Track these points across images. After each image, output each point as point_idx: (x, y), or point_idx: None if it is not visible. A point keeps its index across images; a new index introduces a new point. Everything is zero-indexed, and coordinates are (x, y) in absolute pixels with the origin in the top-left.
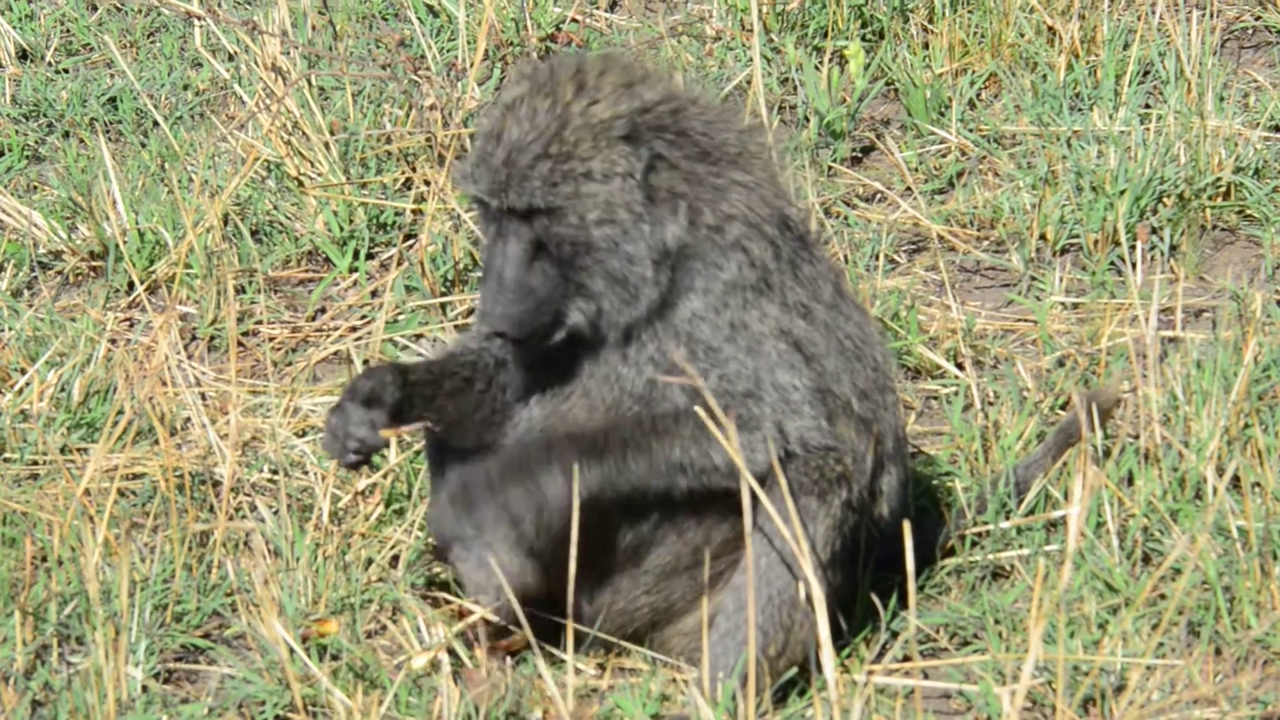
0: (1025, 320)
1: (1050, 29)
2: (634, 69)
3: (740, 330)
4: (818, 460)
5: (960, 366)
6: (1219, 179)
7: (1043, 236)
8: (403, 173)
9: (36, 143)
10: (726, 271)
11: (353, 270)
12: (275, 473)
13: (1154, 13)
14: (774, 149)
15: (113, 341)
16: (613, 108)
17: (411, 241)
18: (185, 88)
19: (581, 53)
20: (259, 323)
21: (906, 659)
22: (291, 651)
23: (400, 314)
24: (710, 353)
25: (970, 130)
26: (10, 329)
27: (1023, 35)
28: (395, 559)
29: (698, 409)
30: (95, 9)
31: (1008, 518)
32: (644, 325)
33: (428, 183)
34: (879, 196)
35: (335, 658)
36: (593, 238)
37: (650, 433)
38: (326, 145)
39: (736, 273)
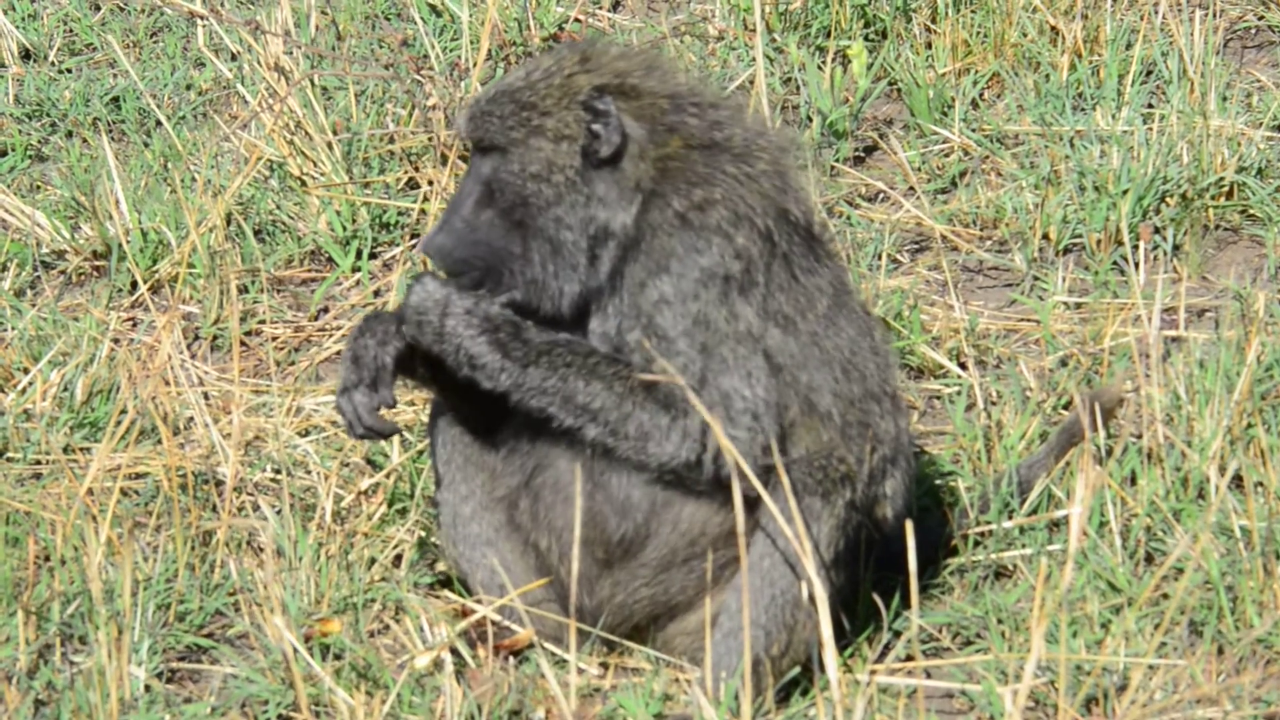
0: (1028, 320)
1: (1053, 29)
2: (652, 60)
3: (702, 326)
4: (821, 460)
5: (963, 366)
6: (1222, 179)
7: (1045, 236)
8: (405, 172)
9: (39, 142)
10: (706, 257)
11: (355, 270)
12: (278, 472)
13: (1157, 12)
14: (785, 146)
15: (116, 341)
16: (591, 79)
17: (414, 241)
18: (188, 87)
19: (618, 41)
20: (262, 322)
21: (909, 658)
22: (294, 651)
23: None
24: (665, 342)
25: (973, 130)
26: (13, 328)
27: (1025, 35)
28: (398, 558)
29: (642, 378)
30: (98, 9)
31: (1010, 517)
32: (605, 299)
33: (430, 182)
34: (882, 196)
35: (338, 657)
36: (527, 190)
37: (586, 371)
38: (329, 145)
39: (717, 259)
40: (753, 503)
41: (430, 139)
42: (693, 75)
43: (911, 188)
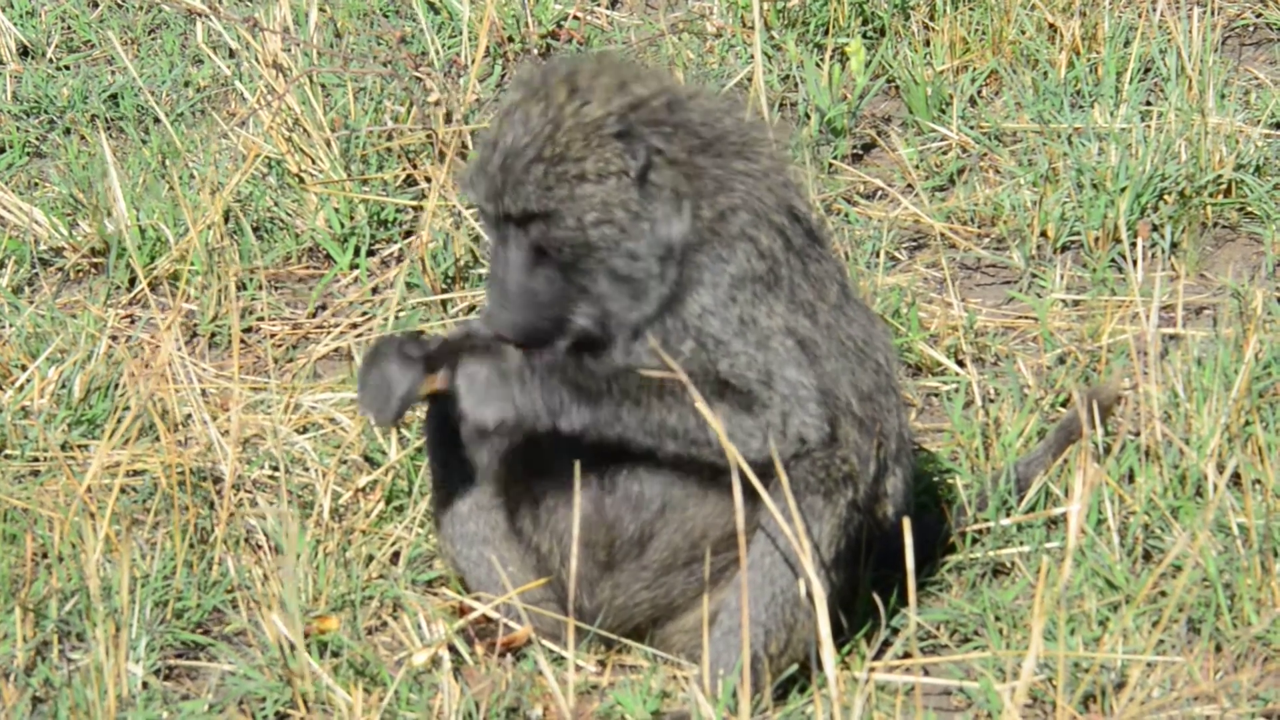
0: (1026, 317)
1: (1051, 26)
2: (628, 68)
3: (750, 325)
4: (824, 459)
5: (961, 364)
6: (1220, 176)
7: (1044, 233)
8: (404, 169)
9: (38, 139)
10: (733, 264)
11: (354, 267)
12: (276, 469)
13: (1155, 10)
14: (779, 140)
15: (114, 338)
16: (604, 106)
17: (412, 238)
18: (186, 84)
19: (577, 55)
20: (260, 319)
21: (907, 656)
22: (292, 648)
23: (401, 311)
24: (720, 345)
25: (971, 127)
26: (11, 325)
27: (1024, 32)
28: (396, 556)
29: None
30: (96, 5)
31: (1008, 515)
32: (649, 321)
33: (429, 179)
34: (880, 193)
35: (336, 654)
36: (591, 239)
37: (653, 391)
38: (328, 142)
39: (745, 264)
40: (757, 501)
41: (428, 136)
42: (667, 72)
43: (910, 185)
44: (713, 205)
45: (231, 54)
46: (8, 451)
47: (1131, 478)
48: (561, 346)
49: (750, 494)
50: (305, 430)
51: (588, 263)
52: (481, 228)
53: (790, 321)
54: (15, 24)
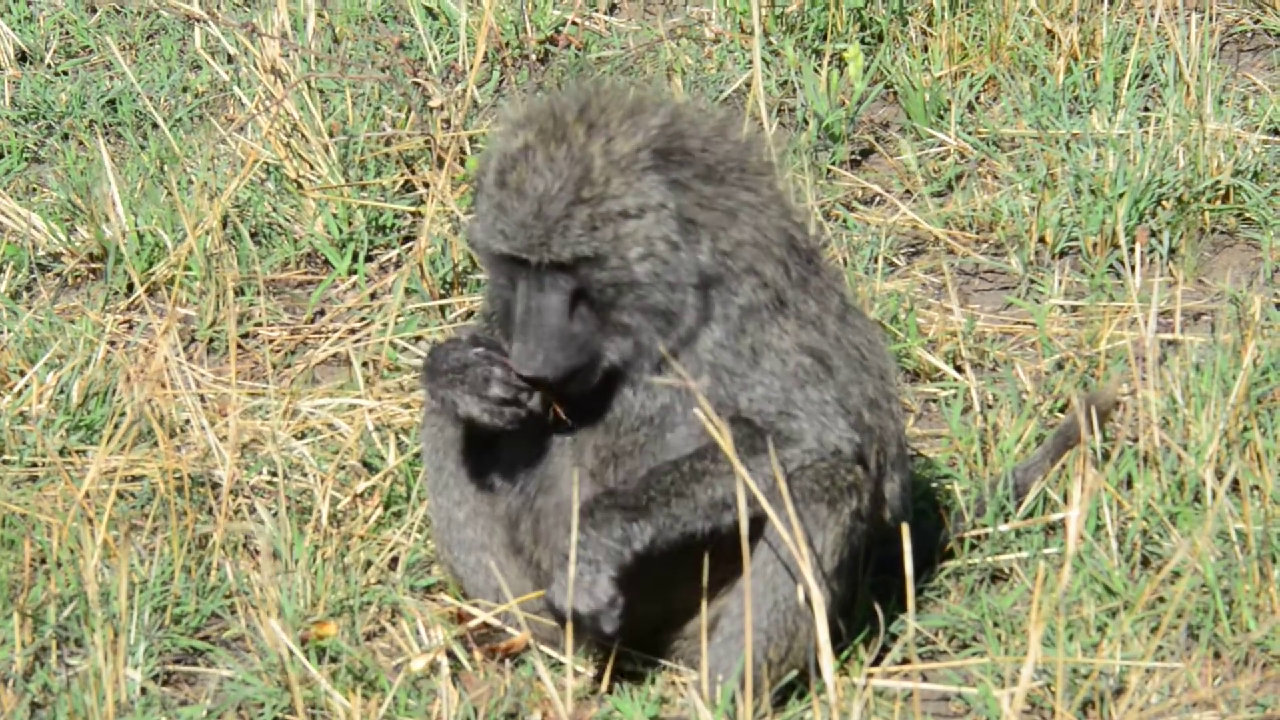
0: (1024, 323)
1: (1049, 32)
2: (629, 95)
3: (764, 352)
4: (829, 469)
5: (959, 369)
6: (1218, 182)
7: (1042, 239)
8: (402, 175)
9: (36, 145)
10: (741, 296)
11: (352, 273)
12: (274, 475)
13: (1153, 16)
14: (774, 160)
15: (112, 344)
16: (629, 140)
17: (411, 244)
18: (185, 90)
19: (574, 88)
20: (258, 325)
21: (905, 662)
22: (290, 654)
23: (400, 316)
24: (736, 378)
25: (969, 133)
26: (9, 331)
27: (1022, 38)
28: (394, 561)
29: (726, 435)
30: (94, 11)
31: (1006, 520)
32: (663, 357)
33: (427, 185)
34: (878, 199)
35: (334, 660)
36: (636, 276)
37: (690, 477)
38: (326, 148)
39: (751, 295)
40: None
41: (427, 142)
42: (661, 89)
43: (908, 191)
44: (726, 238)
45: (230, 59)
46: (6, 457)
47: (1130, 483)
48: (591, 383)
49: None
50: (303, 436)
51: (627, 299)
52: (491, 274)
53: (801, 337)
54: (13, 29)
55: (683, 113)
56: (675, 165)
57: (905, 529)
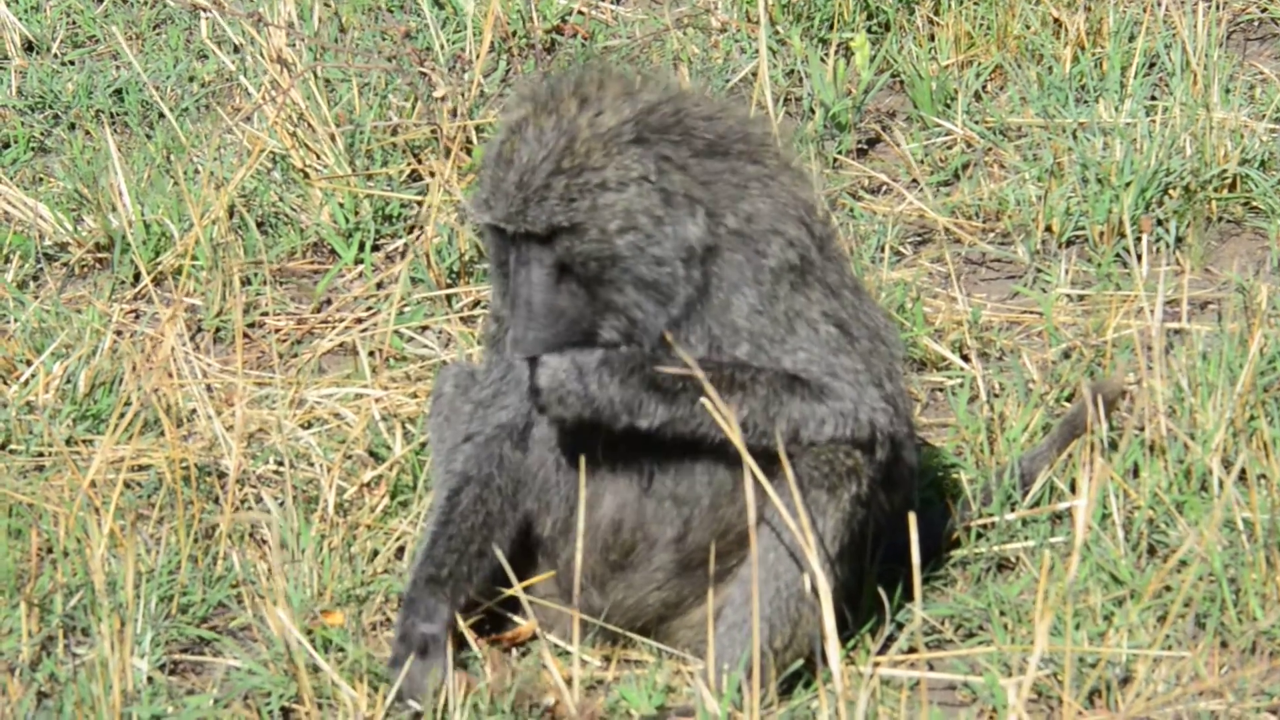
0: (1031, 312)
1: (1056, 21)
2: (632, 77)
3: (798, 318)
4: (828, 454)
5: (966, 358)
6: (1225, 171)
7: (1048, 228)
8: (408, 164)
9: (42, 134)
10: (770, 258)
11: (358, 262)
12: (281, 464)
13: (1160, 4)
14: (780, 136)
15: (118, 333)
16: (617, 115)
17: (417, 233)
18: (191, 79)
19: (579, 67)
20: (264, 314)
21: (912, 651)
22: (297, 643)
23: (406, 306)
24: (776, 344)
25: (976, 122)
26: (16, 321)
27: (1029, 27)
28: (401, 551)
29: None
30: (101, 1)
31: (1013, 510)
32: (692, 326)
33: (433, 174)
34: (885, 188)
35: (341, 649)
36: (617, 248)
37: (724, 386)
38: (332, 137)
39: (780, 255)
40: (766, 496)
41: (433, 131)
42: (668, 75)
43: (914, 180)
44: (736, 212)
45: (236, 49)
46: (12, 447)
47: (1136, 472)
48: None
49: (757, 489)
50: (310, 425)
51: (612, 273)
52: (490, 252)
53: (826, 306)
54: (20, 19)
55: (684, 93)
56: (668, 142)
57: (913, 518)
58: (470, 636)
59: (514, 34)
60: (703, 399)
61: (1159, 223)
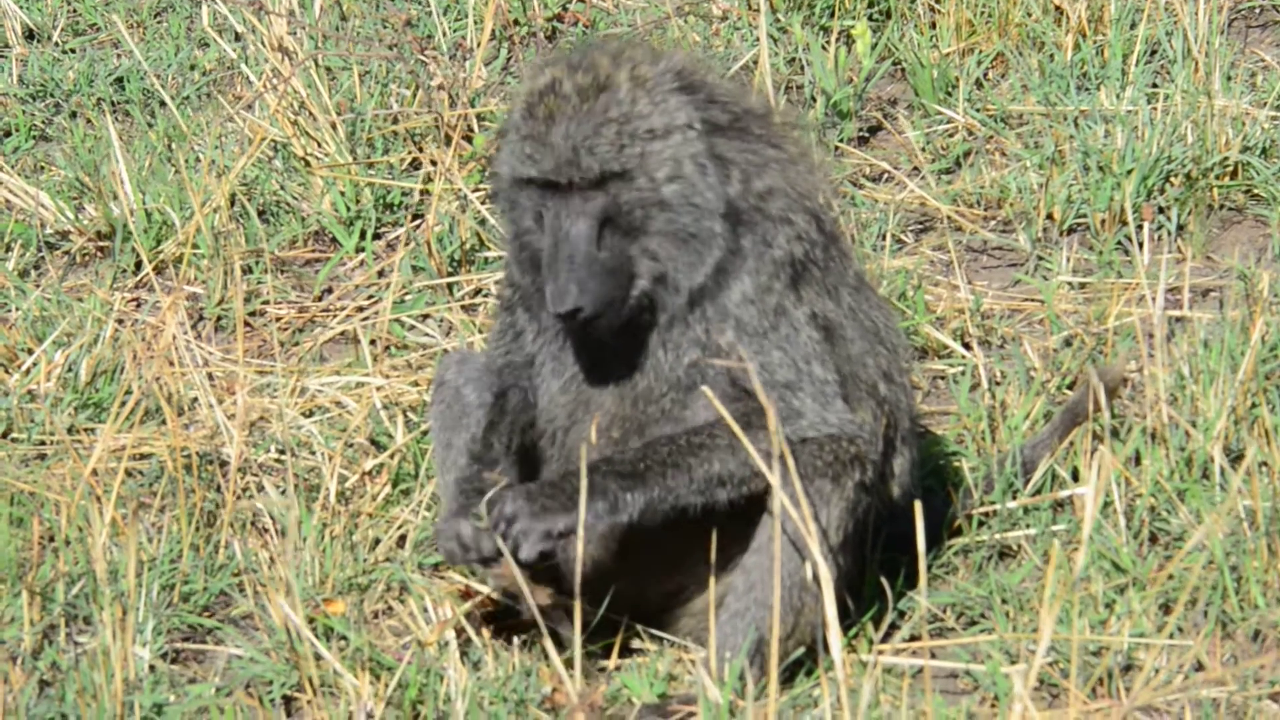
0: (1032, 300)
1: (1057, 8)
2: (650, 44)
3: (782, 317)
4: (831, 444)
5: (967, 346)
6: (1226, 158)
7: (1050, 216)
8: (409, 153)
9: (44, 123)
10: (776, 248)
11: (359, 250)
12: (282, 453)
13: None
14: (798, 124)
15: (120, 321)
16: (654, 67)
17: (418, 221)
18: (192, 68)
19: (589, 39)
20: (266, 303)
21: (914, 639)
22: (299, 631)
23: (407, 294)
24: (754, 339)
25: (977, 110)
26: (17, 309)
27: (1030, 15)
28: (402, 539)
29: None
30: None
31: (1015, 497)
32: (689, 307)
33: (434, 163)
34: (886, 176)
35: (343, 638)
36: (664, 196)
37: (686, 450)
38: (333, 125)
39: (785, 247)
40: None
41: (434, 119)
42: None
43: (916, 168)
44: (760, 181)
45: (237, 37)
46: (14, 435)
47: (1138, 460)
48: (624, 315)
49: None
50: (311, 414)
51: (657, 222)
52: (513, 215)
53: (817, 306)
54: (21, 7)
55: (708, 64)
56: (702, 101)
57: (918, 506)
58: (469, 628)
59: (515, 22)
60: (669, 472)
61: (1160, 210)
